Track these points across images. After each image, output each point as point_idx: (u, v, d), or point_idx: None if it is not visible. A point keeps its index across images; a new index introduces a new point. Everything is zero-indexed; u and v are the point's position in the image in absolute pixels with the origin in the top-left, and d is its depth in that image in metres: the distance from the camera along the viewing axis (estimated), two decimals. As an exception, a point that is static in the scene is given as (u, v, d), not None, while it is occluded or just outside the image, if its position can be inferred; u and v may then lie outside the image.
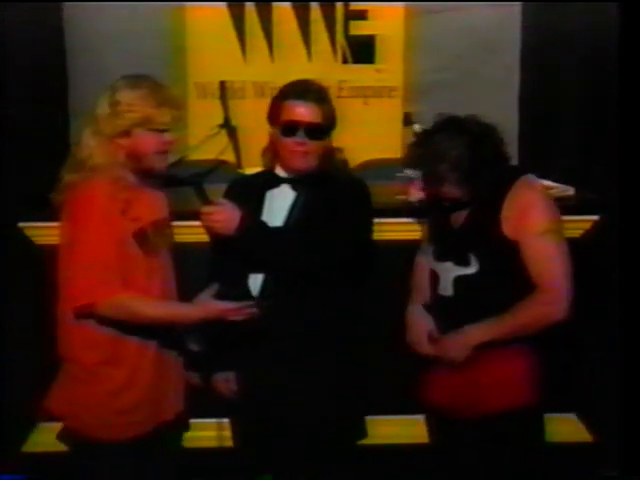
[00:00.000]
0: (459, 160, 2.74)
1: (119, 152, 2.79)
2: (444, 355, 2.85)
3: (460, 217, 2.87)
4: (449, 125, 2.81)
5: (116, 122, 2.77)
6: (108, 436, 2.81)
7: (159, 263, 2.86)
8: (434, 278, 2.94)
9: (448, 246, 2.88)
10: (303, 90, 2.94)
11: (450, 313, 2.87)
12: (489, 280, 2.81)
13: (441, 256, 2.90)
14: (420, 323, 2.94)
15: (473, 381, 2.83)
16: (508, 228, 2.78)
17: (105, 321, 2.75)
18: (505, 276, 2.81)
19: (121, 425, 2.81)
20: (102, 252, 2.70)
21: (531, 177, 2.86)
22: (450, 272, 2.87)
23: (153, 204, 2.87)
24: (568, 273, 2.79)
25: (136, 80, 2.81)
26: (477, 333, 2.79)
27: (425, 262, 3.01)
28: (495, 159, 2.79)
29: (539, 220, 2.77)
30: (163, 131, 2.78)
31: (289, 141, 2.91)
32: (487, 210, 2.79)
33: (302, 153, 2.90)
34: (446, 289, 2.89)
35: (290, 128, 2.90)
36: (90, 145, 2.80)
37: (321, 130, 2.91)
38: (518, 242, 2.77)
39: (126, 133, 2.78)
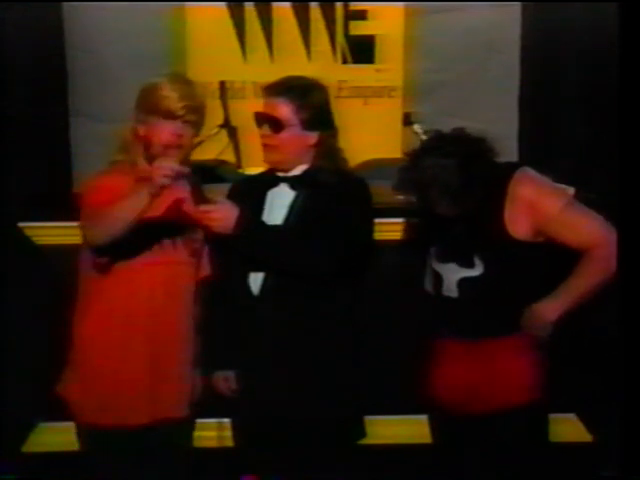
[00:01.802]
0: (448, 184, 2.74)
1: (140, 144, 2.90)
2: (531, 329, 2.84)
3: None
4: (437, 146, 2.80)
5: (136, 110, 2.90)
6: (105, 421, 2.85)
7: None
8: (436, 279, 2.93)
9: (450, 248, 2.88)
10: (274, 85, 2.96)
11: (456, 315, 2.87)
12: (495, 281, 2.81)
13: (443, 257, 2.90)
14: None
15: (479, 376, 2.83)
16: (515, 226, 2.78)
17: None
18: (511, 276, 2.81)
19: (116, 409, 2.85)
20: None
21: (525, 169, 2.87)
22: (454, 274, 2.86)
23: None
24: (603, 220, 2.85)
25: (167, 74, 2.99)
26: (553, 309, 2.79)
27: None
28: (487, 176, 2.79)
29: (551, 203, 2.80)
30: (175, 120, 2.85)
31: (260, 135, 2.95)
32: (489, 212, 2.79)
33: (266, 146, 2.93)
34: (451, 290, 2.88)
35: (256, 121, 2.96)
36: (125, 137, 2.93)
37: (280, 124, 2.90)
38: (537, 235, 2.79)
39: (144, 122, 2.87)
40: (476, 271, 2.82)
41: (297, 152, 2.94)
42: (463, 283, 2.84)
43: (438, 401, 2.93)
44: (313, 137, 2.94)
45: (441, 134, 2.84)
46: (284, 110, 2.90)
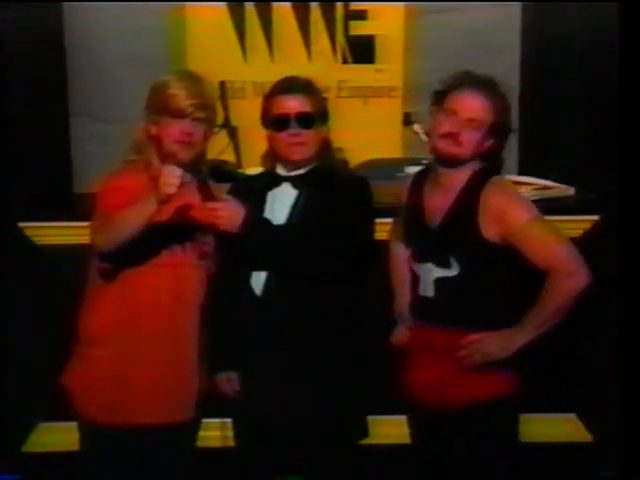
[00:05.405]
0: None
1: (153, 144, 2.88)
2: (481, 351, 2.82)
3: (437, 217, 2.88)
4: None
5: (147, 110, 2.89)
6: (108, 418, 2.85)
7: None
8: (414, 279, 2.95)
9: (427, 247, 2.89)
10: (287, 84, 2.97)
11: (432, 314, 2.88)
12: (470, 282, 2.83)
13: (421, 257, 2.91)
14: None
15: (450, 371, 2.83)
16: (488, 232, 2.79)
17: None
18: (487, 278, 2.83)
19: (120, 408, 2.85)
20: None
21: (497, 179, 2.87)
22: (431, 273, 2.88)
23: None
24: (568, 240, 2.83)
25: (175, 71, 2.97)
26: (521, 337, 2.78)
27: (402, 256, 3.03)
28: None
29: (519, 215, 2.78)
30: (184, 119, 2.83)
31: (283, 135, 2.92)
32: (463, 213, 2.81)
33: (298, 144, 2.92)
34: (427, 290, 2.90)
35: (281, 121, 2.92)
36: (137, 137, 2.91)
37: (312, 118, 2.92)
38: (509, 243, 2.79)
39: (155, 121, 2.86)
40: (452, 271, 2.84)
41: (318, 147, 2.96)
42: (439, 283, 2.86)
43: (414, 400, 2.94)
44: (325, 131, 2.98)
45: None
46: (308, 105, 2.92)
